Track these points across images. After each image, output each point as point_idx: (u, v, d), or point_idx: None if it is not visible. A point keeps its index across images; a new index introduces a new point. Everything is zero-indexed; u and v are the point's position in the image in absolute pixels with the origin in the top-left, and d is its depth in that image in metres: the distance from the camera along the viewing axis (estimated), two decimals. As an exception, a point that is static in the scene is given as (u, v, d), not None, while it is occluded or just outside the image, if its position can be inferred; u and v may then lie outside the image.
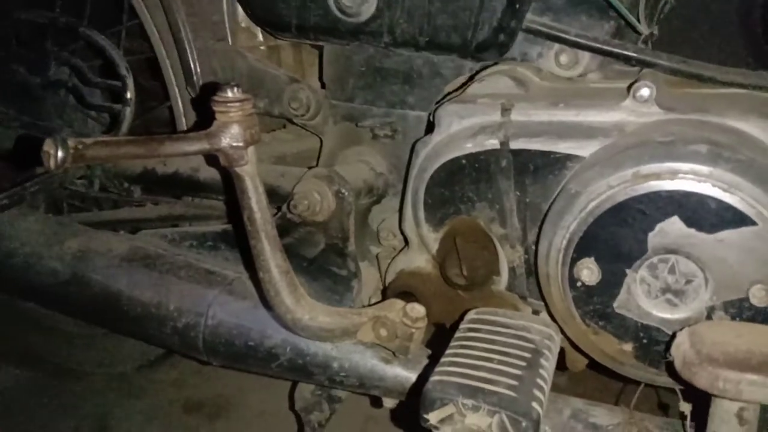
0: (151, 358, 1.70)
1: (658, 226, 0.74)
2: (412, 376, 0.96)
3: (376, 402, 1.07)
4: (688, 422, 0.78)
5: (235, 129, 0.75)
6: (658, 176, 0.73)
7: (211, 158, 1.10)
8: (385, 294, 1.09)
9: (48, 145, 0.63)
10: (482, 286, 0.96)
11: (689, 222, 0.72)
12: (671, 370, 0.70)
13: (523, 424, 0.67)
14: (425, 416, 0.71)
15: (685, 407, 0.77)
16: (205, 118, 1.27)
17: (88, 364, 1.73)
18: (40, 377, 1.73)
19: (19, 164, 1.38)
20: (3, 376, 1.74)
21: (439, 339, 1.09)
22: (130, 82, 1.27)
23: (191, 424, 1.58)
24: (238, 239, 1.13)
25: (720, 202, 0.71)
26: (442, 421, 0.70)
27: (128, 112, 1.27)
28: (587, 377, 1.50)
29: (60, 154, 0.64)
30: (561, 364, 0.93)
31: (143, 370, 1.71)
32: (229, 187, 1.03)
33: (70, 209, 1.59)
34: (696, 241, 0.72)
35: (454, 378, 0.72)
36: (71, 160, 0.64)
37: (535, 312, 0.95)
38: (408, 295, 1.03)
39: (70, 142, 0.64)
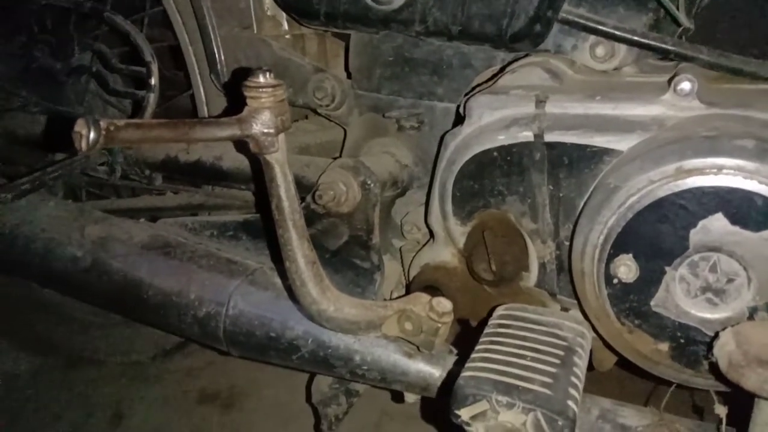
0: (166, 348, 1.70)
1: (701, 223, 0.72)
2: (435, 372, 0.94)
3: (395, 397, 1.06)
4: (723, 426, 0.76)
5: (266, 115, 0.74)
6: (701, 171, 0.71)
7: (240, 145, 1.10)
8: (409, 288, 1.08)
9: (80, 126, 0.62)
10: (510, 281, 0.94)
11: (734, 219, 0.70)
12: (713, 371, 0.68)
13: (560, 422, 0.65)
14: (457, 412, 0.70)
15: (721, 410, 0.75)
16: (229, 106, 1.27)
17: (102, 353, 1.73)
18: (55, 364, 1.74)
19: (47, 147, 1.38)
20: (18, 362, 1.75)
21: (462, 336, 1.08)
22: (154, 68, 1.25)
23: (205, 414, 1.58)
24: (264, 228, 1.12)
25: (767, 199, 0.68)
26: (474, 417, 0.69)
27: (152, 98, 1.25)
28: (606, 380, 1.48)
29: (92, 135, 0.62)
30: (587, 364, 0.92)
31: (158, 360, 1.72)
32: (257, 175, 1.02)
33: (88, 196, 1.59)
34: (740, 239, 0.70)
35: (487, 374, 0.70)
36: (103, 141, 0.63)
37: (564, 309, 0.93)
38: (433, 290, 1.01)
39: (102, 123, 0.63)
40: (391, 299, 1.12)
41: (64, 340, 1.74)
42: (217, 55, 1.22)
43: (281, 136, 0.76)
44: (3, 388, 1.66)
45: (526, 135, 0.85)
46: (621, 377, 1.45)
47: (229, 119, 0.73)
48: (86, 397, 1.64)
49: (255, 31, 1.20)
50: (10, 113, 1.50)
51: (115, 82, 1.43)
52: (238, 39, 1.20)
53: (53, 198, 1.31)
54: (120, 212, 1.34)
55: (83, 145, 0.63)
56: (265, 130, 0.74)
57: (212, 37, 1.22)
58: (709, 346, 0.70)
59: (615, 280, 0.78)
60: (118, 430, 1.54)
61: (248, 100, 0.74)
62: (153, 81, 1.25)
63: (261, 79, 0.73)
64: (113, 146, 1.14)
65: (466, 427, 0.70)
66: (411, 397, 1.01)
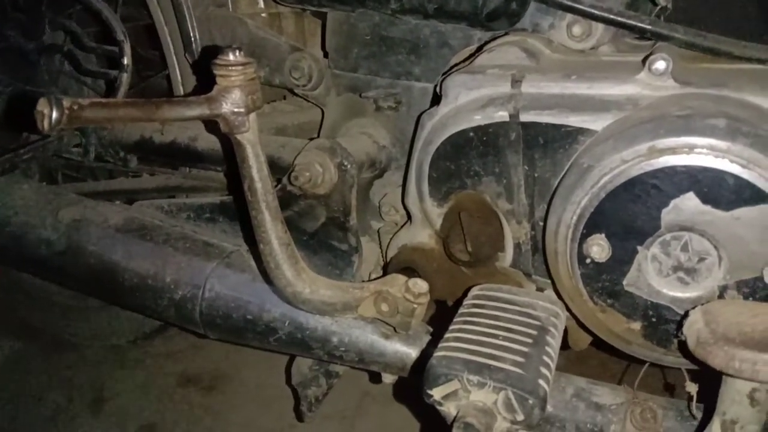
0: (146, 331, 1.69)
1: (673, 203, 0.72)
2: (412, 352, 0.95)
3: (374, 378, 1.06)
4: (694, 402, 0.77)
5: (236, 94, 0.73)
6: (674, 151, 0.70)
7: (211, 125, 1.08)
8: (387, 269, 1.08)
9: (42, 105, 0.61)
10: (486, 262, 0.94)
11: (705, 198, 0.70)
12: (683, 350, 0.69)
13: (530, 401, 0.66)
14: (429, 392, 0.70)
15: (692, 387, 0.76)
16: (204, 86, 1.24)
17: (82, 336, 1.71)
18: (34, 348, 1.72)
19: (12, 127, 1.35)
20: (-2, 347, 1.73)
21: (439, 316, 1.08)
22: (127, 47, 1.23)
23: (186, 397, 1.57)
24: (238, 210, 1.11)
25: (738, 179, 0.68)
26: (446, 397, 0.69)
27: (125, 78, 1.23)
28: (587, 357, 1.50)
29: (54, 114, 0.61)
30: (563, 343, 0.92)
31: (138, 343, 1.70)
32: (229, 156, 1.01)
33: (64, 179, 1.56)
34: (711, 218, 0.70)
35: (459, 353, 0.70)
36: (66, 121, 0.62)
37: (540, 289, 0.93)
38: (410, 271, 1.01)
39: (65, 102, 0.62)
40: (369, 281, 1.12)
41: (44, 324, 1.73)
42: (191, 34, 1.20)
43: (252, 116, 0.75)
44: (-17, 373, 1.65)
45: (502, 115, 0.84)
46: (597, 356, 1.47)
47: (197, 98, 0.72)
48: (67, 381, 1.63)
49: (230, 9, 1.18)
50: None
51: (89, 62, 1.41)
52: (213, 17, 1.18)
53: (27, 180, 1.28)
54: (96, 195, 1.33)
55: (45, 124, 0.61)
56: (235, 110, 0.73)
57: (187, 15, 1.19)
58: (680, 325, 0.70)
59: (588, 260, 0.78)
60: (100, 414, 1.54)
61: (218, 79, 0.72)
62: (125, 60, 1.23)
63: (231, 57, 0.72)
64: (78, 125, 1.12)
65: (438, 407, 0.70)
66: (389, 378, 1.01)
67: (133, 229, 1.11)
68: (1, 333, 1.75)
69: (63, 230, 1.13)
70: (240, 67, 0.72)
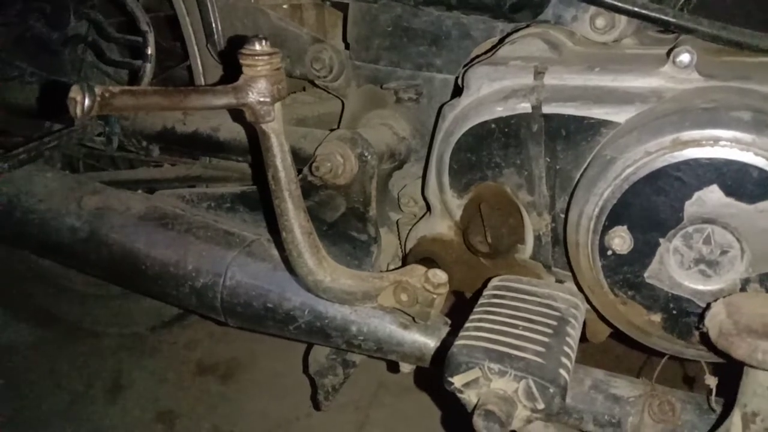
0: (165, 319, 1.70)
1: (696, 195, 0.72)
2: (430, 342, 0.95)
3: (391, 367, 1.06)
4: (713, 396, 0.77)
5: (262, 83, 0.73)
6: (698, 143, 0.70)
7: (236, 115, 1.09)
8: (406, 260, 1.08)
9: (75, 92, 0.62)
10: (506, 254, 0.94)
11: (729, 191, 0.70)
12: (704, 341, 0.69)
13: (551, 390, 0.66)
14: (450, 379, 0.71)
15: (711, 381, 0.76)
16: (226, 77, 1.25)
17: (101, 324, 1.73)
18: (53, 336, 1.74)
19: (44, 116, 1.37)
20: (17, 333, 1.75)
21: (457, 307, 1.08)
22: (151, 37, 1.24)
23: (204, 385, 1.59)
24: (261, 200, 1.12)
25: (762, 172, 0.68)
26: (466, 384, 0.70)
27: (149, 68, 1.24)
28: (599, 351, 1.49)
29: (86, 101, 0.62)
30: (581, 336, 0.92)
31: (156, 331, 1.72)
32: (254, 146, 1.02)
33: (85, 168, 1.58)
34: (735, 211, 0.70)
35: (480, 342, 0.71)
36: (98, 108, 0.63)
37: (559, 281, 0.93)
38: (429, 262, 1.02)
39: (97, 90, 0.63)
40: (389, 270, 1.12)
41: (63, 311, 1.75)
42: (213, 25, 1.20)
43: (277, 105, 0.75)
44: (3, 359, 1.67)
45: (524, 106, 0.84)
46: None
47: (224, 87, 0.73)
48: (85, 368, 1.65)
49: (252, 1, 1.19)
50: (5, 83, 1.49)
51: (112, 52, 1.42)
52: (235, 8, 1.19)
53: (51, 169, 1.30)
54: (117, 184, 1.34)
55: (78, 111, 0.62)
56: (261, 99, 0.73)
57: (209, 6, 1.20)
58: (701, 317, 0.70)
59: (609, 252, 0.78)
60: (118, 401, 1.56)
61: (244, 68, 0.73)
62: (149, 50, 1.24)
63: (257, 46, 0.73)
64: (108, 113, 1.13)
65: (459, 395, 0.71)
66: (406, 367, 1.02)
67: (155, 218, 1.12)
68: (21, 320, 1.77)
69: (86, 218, 1.14)
70: (266, 57, 0.72)
